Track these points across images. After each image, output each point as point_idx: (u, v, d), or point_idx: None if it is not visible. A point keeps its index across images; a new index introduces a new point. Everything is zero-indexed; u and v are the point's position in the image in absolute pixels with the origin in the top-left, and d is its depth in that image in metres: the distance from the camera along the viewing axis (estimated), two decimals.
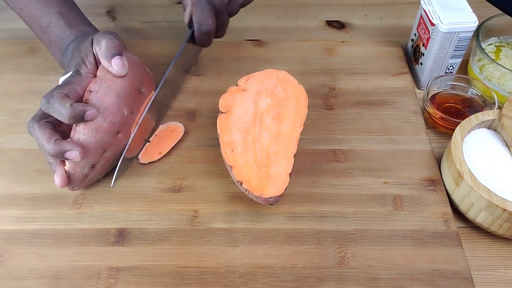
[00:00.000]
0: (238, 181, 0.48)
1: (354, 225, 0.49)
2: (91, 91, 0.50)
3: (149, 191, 0.52)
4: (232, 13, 0.58)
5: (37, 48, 0.67)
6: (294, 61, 0.66)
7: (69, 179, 0.49)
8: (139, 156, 0.55)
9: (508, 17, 0.58)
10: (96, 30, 0.57)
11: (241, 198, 0.51)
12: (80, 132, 0.49)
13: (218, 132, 0.51)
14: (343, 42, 0.69)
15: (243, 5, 0.58)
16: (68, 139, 0.49)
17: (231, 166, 0.49)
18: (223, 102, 0.53)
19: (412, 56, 0.66)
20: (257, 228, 0.49)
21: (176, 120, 0.58)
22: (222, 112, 0.53)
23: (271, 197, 0.47)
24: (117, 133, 0.51)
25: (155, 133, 0.57)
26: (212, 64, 0.65)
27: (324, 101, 0.61)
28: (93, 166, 0.50)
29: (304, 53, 0.67)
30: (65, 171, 0.49)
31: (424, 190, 0.52)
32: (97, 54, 0.50)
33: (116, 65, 0.50)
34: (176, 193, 0.52)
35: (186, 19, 0.57)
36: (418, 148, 0.56)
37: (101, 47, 0.50)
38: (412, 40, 0.66)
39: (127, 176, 0.53)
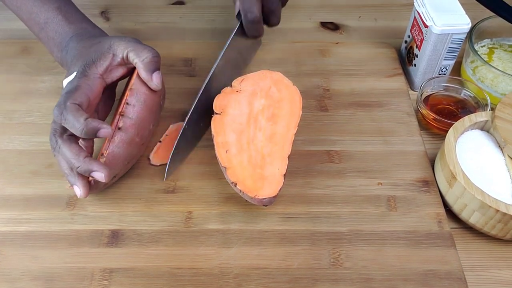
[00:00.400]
0: (232, 182, 0.48)
1: (348, 226, 0.50)
2: (128, 104, 0.49)
3: (143, 192, 0.52)
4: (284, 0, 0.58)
5: (30, 49, 0.67)
6: (288, 62, 0.66)
7: (90, 189, 0.49)
8: (150, 157, 0.55)
9: (501, 19, 0.58)
10: (95, 27, 0.57)
11: (236, 199, 0.51)
12: (115, 146, 0.49)
13: (213, 133, 0.51)
14: (337, 43, 0.69)
15: None
16: (98, 156, 0.49)
17: (225, 167, 0.49)
18: (217, 103, 0.53)
19: (405, 58, 0.67)
20: (251, 229, 0.49)
21: (174, 120, 0.58)
22: (217, 113, 0.53)
23: (265, 198, 0.47)
24: (142, 144, 0.52)
25: (166, 133, 0.57)
26: (207, 65, 0.65)
27: (318, 102, 0.61)
28: (114, 177, 0.50)
29: (298, 55, 0.67)
30: (88, 182, 0.48)
31: (418, 191, 0.52)
32: (137, 65, 0.50)
33: (156, 80, 0.50)
34: (170, 194, 0.52)
35: (236, 12, 0.57)
36: (411, 149, 0.56)
37: (145, 60, 0.50)
38: (406, 41, 0.66)
39: (120, 177, 0.53)
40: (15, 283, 0.45)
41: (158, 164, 0.54)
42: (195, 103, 0.54)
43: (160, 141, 0.56)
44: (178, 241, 0.48)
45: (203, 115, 0.55)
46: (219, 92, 0.54)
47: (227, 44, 0.57)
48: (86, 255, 0.47)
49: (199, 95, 0.54)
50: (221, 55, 0.56)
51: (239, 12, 0.57)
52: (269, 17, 0.58)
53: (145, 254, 0.48)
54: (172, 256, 0.47)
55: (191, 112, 0.53)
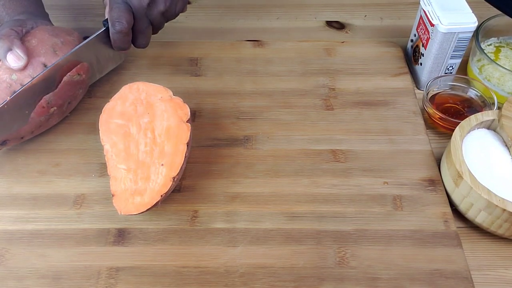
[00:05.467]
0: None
1: (354, 225, 0.50)
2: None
3: None
4: (154, 21, 0.55)
5: None
6: (294, 61, 0.66)
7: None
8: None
9: (508, 17, 0.58)
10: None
11: (241, 198, 0.51)
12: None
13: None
14: (343, 42, 0.69)
15: (164, 14, 0.55)
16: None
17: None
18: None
19: (411, 57, 0.66)
20: (257, 228, 0.49)
21: None
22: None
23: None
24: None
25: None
26: (212, 65, 0.65)
27: (324, 102, 0.61)
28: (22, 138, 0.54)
29: (304, 54, 0.67)
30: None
31: (424, 190, 0.52)
32: None
33: (11, 61, 0.51)
34: (176, 193, 0.52)
35: (105, 18, 0.55)
36: (417, 148, 0.56)
37: None
38: (412, 40, 0.66)
39: None
40: (22, 281, 0.46)
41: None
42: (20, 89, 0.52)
43: None
44: (184, 240, 0.49)
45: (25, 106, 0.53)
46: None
47: (81, 44, 0.55)
48: (93, 253, 0.48)
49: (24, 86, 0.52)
50: (69, 53, 0.54)
51: (106, 20, 0.55)
52: (137, 37, 0.56)
53: (151, 252, 0.48)
54: (178, 254, 0.48)
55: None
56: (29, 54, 0.52)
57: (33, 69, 0.52)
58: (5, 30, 0.53)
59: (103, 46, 0.57)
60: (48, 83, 0.53)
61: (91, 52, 0.57)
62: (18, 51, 0.51)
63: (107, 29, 0.55)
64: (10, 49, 0.51)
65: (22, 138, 0.54)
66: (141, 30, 0.55)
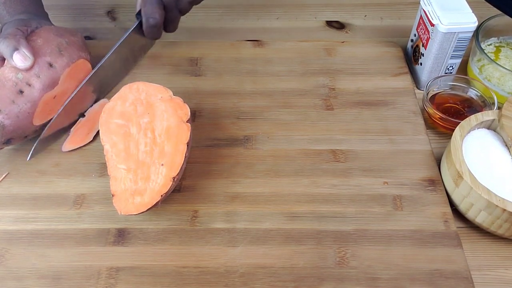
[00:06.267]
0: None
1: (354, 225, 0.50)
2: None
3: None
4: (183, 10, 0.59)
5: None
6: (294, 61, 0.66)
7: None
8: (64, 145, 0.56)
9: (508, 17, 0.58)
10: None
11: (241, 198, 0.51)
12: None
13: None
14: (343, 42, 0.69)
15: (192, 2, 0.59)
16: None
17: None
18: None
19: (411, 57, 0.66)
20: (257, 228, 0.49)
21: None
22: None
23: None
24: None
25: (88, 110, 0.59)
26: (212, 65, 0.65)
27: (324, 102, 0.61)
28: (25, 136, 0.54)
29: (304, 54, 0.67)
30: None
31: (424, 190, 0.52)
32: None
33: (18, 61, 0.52)
34: (176, 193, 0.52)
35: (137, 10, 0.58)
36: (417, 148, 0.56)
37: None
38: (412, 40, 0.66)
39: None
40: (22, 281, 0.46)
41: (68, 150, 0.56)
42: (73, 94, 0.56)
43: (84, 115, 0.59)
44: (184, 240, 0.49)
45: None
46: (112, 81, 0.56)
47: (122, 39, 0.58)
48: (93, 253, 0.48)
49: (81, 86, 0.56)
50: (113, 49, 0.58)
51: (139, 12, 0.57)
52: (168, 25, 0.59)
53: (151, 252, 0.48)
54: (178, 254, 0.48)
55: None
56: (35, 54, 0.52)
57: (39, 69, 0.52)
58: (11, 29, 0.53)
59: (137, 36, 0.59)
60: None
61: (126, 44, 0.59)
62: (25, 51, 0.51)
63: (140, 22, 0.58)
64: (16, 49, 0.51)
65: (26, 137, 0.54)
66: (172, 19, 0.58)
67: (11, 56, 0.51)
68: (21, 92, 0.51)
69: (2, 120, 0.50)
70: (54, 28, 0.57)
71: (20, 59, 0.51)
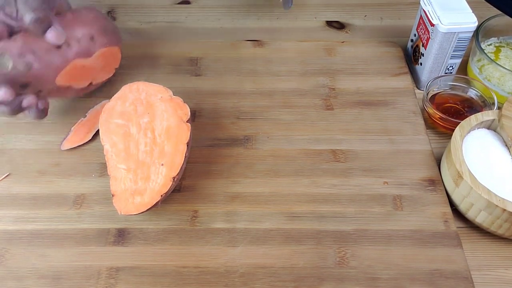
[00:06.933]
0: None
1: (354, 225, 0.50)
2: None
3: None
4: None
5: None
6: (294, 61, 0.66)
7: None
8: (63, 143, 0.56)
9: (508, 17, 0.58)
10: None
11: (241, 198, 0.51)
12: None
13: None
14: (343, 42, 0.69)
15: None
16: None
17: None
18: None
19: (411, 56, 0.66)
20: (257, 228, 0.49)
21: None
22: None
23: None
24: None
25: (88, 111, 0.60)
26: (212, 64, 0.65)
27: (323, 101, 0.61)
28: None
29: (304, 54, 0.67)
30: None
31: (424, 190, 0.52)
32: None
33: (52, 38, 0.51)
34: (176, 193, 0.52)
35: None
36: (417, 148, 0.56)
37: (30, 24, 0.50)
38: (412, 40, 0.66)
39: None
40: (22, 281, 0.46)
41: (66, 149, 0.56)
42: None
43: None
44: (184, 240, 0.49)
45: None
46: None
47: None
48: (93, 253, 0.48)
49: None
50: None
51: None
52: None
53: (151, 252, 0.48)
54: (178, 254, 0.48)
55: None
56: (83, 24, 0.54)
57: (82, 36, 0.54)
58: (38, 2, 0.51)
59: None
60: None
61: None
62: (58, 27, 0.51)
63: None
64: (50, 25, 0.50)
65: (40, 91, 0.53)
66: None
67: (44, 32, 0.50)
68: (59, 47, 0.52)
69: (32, 61, 0.50)
70: (105, 16, 0.60)
71: (54, 35, 0.51)
